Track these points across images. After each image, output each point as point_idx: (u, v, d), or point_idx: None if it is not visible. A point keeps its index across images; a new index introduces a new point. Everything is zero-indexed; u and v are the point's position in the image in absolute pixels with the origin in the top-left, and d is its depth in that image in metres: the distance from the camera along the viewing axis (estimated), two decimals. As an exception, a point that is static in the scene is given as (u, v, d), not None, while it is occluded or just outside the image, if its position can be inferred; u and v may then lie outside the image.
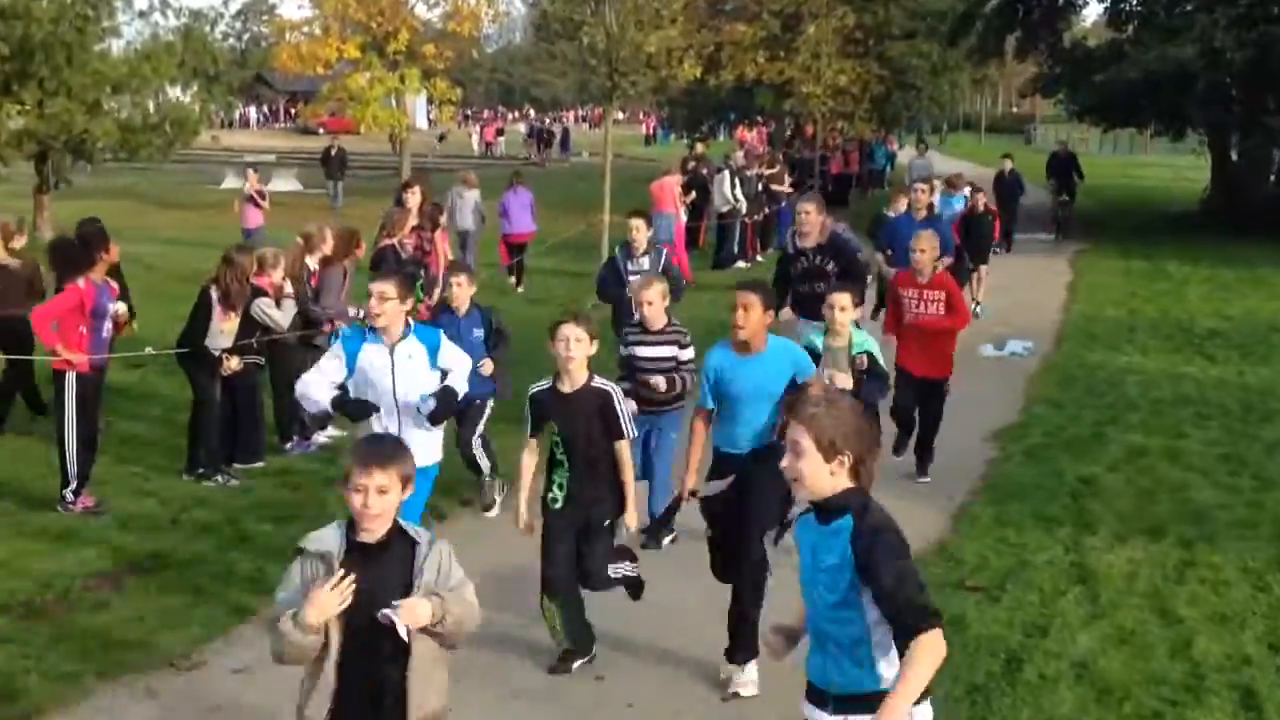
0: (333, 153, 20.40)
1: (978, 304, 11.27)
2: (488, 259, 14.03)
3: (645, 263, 6.91)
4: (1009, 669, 4.26)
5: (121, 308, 6.11)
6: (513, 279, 13.52)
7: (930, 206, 10.91)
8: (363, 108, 19.08)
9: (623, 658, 4.39)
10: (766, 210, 16.11)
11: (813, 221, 6.74)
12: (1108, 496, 6.26)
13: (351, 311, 7.35)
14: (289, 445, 7.06)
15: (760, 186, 15.81)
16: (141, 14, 16.91)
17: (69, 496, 5.87)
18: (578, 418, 4.14)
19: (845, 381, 5.21)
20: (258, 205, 14.69)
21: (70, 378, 5.81)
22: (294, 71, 20.88)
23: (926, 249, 6.44)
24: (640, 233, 6.96)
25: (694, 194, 15.46)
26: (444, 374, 4.60)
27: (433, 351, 4.57)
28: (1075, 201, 19.02)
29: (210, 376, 6.39)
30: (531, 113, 64.54)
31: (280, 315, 6.66)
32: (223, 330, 6.40)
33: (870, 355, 5.41)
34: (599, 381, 4.22)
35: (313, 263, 7.11)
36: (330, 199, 21.07)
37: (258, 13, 62.90)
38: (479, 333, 5.93)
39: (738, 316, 4.28)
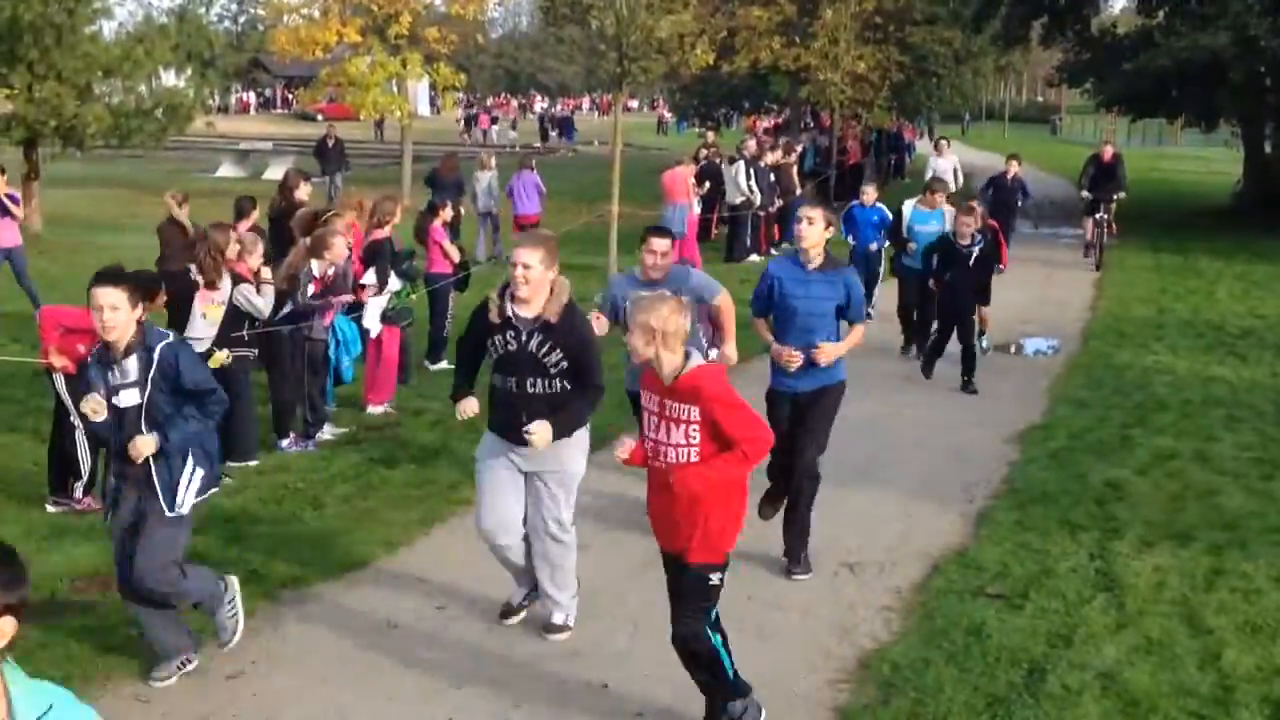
0: (329, 143, 19.62)
1: (982, 335, 9.50)
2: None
3: (131, 369, 3.94)
4: (1031, 680, 4.15)
5: None
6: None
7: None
8: (363, 93, 18.93)
9: (629, 666, 4.26)
10: (780, 202, 15.93)
11: (535, 278, 4.15)
12: (1135, 501, 6.11)
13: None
14: (285, 442, 6.89)
15: (771, 177, 15.60)
16: (134, -5, 16.72)
17: (77, 492, 5.75)
18: None
19: None
20: (9, 214, 10.58)
21: (59, 375, 5.72)
22: (292, 55, 20.61)
23: (645, 325, 3.53)
24: (116, 313, 3.85)
25: (707, 184, 15.29)
26: None
27: None
28: (1113, 218, 14.50)
29: None
30: (470, 100, 62.60)
31: (262, 302, 6.47)
32: (204, 315, 6.19)
33: None
34: None
35: (318, 268, 6.94)
36: (326, 193, 20.33)
37: (255, -6, 62.68)
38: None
39: None
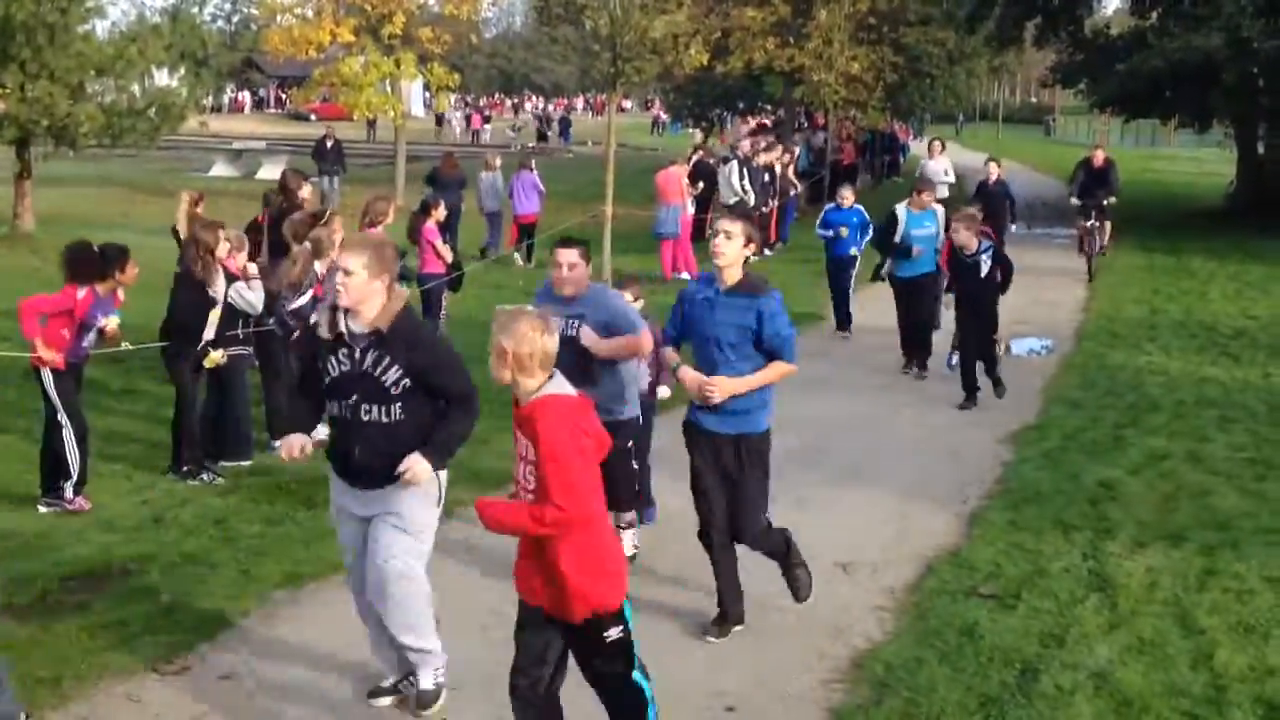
0: (328, 144, 19.52)
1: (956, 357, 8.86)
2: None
3: None
4: (1024, 680, 4.15)
5: (114, 321, 5.95)
6: (518, 259, 14.63)
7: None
8: (356, 93, 18.90)
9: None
10: (774, 203, 15.95)
11: (357, 285, 3.61)
12: (1128, 501, 6.11)
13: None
14: (278, 443, 6.88)
15: (765, 177, 15.60)
16: (127, -6, 16.74)
17: (68, 493, 5.73)
18: None
19: None
20: None
21: (47, 374, 5.70)
22: (285, 55, 20.49)
23: (498, 345, 3.13)
24: None
25: (701, 184, 15.32)
26: None
27: None
28: (1104, 230, 13.81)
29: (194, 371, 6.26)
30: (458, 101, 60.71)
31: (254, 297, 6.50)
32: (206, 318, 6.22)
33: None
34: None
35: (321, 268, 6.92)
36: (323, 196, 20.44)
37: (248, -7, 62.50)
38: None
39: None
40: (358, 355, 3.67)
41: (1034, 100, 69.72)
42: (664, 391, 5.75)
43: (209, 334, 6.25)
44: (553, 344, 3.14)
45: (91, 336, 5.84)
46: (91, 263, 5.79)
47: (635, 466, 5.17)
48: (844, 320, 10.57)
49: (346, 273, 3.61)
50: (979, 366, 8.14)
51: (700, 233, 15.75)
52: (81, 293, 5.69)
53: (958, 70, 27.00)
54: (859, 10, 22.18)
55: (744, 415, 4.41)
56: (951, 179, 15.22)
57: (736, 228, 4.40)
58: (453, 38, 21.41)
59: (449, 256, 9.03)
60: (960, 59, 26.13)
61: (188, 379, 6.27)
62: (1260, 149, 20.77)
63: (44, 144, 15.61)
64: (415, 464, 3.62)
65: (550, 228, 14.95)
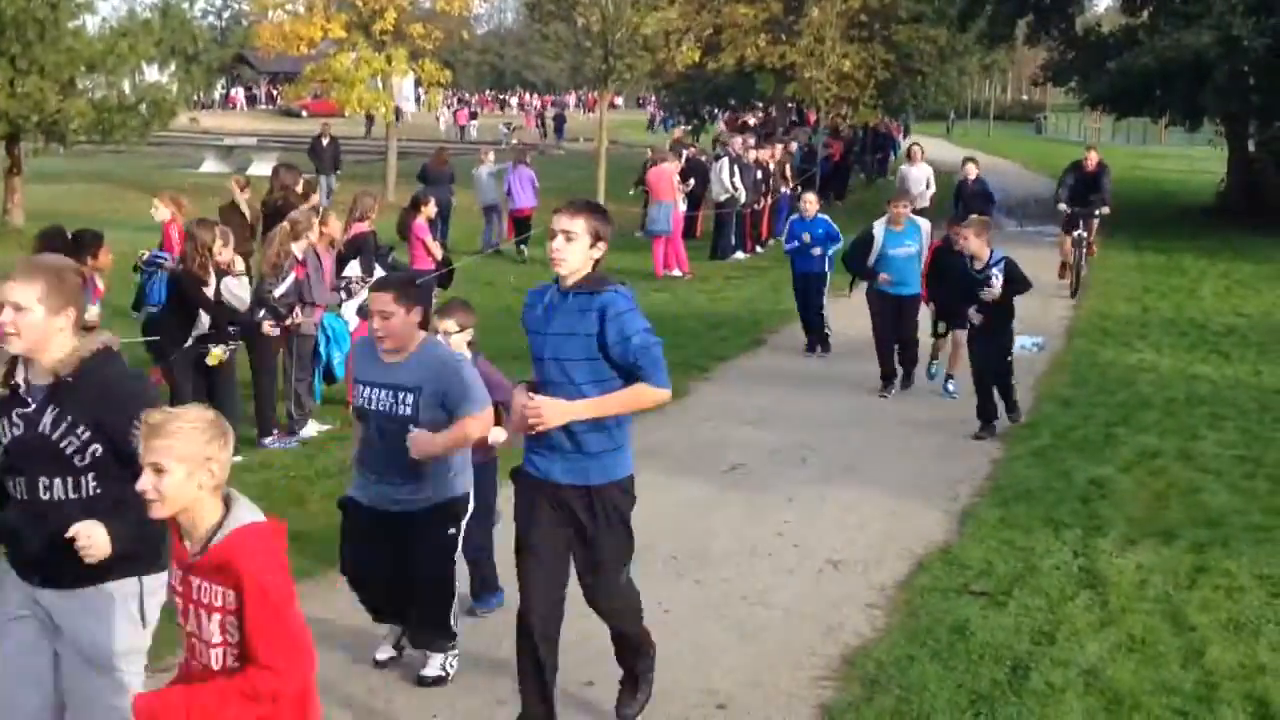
0: (324, 142, 19.46)
1: (941, 373, 8.48)
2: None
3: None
4: (1015, 677, 4.15)
5: (94, 311, 5.86)
6: (518, 253, 14.83)
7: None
8: (347, 89, 18.89)
9: (612, 664, 4.25)
10: (766, 200, 15.96)
11: (30, 324, 2.76)
12: (1118, 499, 6.12)
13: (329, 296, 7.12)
14: (268, 440, 6.85)
15: (758, 174, 15.59)
16: (118, -11, 16.63)
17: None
18: None
19: None
20: None
21: None
22: (276, 51, 20.44)
23: (162, 451, 2.36)
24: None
25: (692, 181, 15.31)
26: None
27: None
28: (1093, 237, 12.84)
29: (188, 368, 6.23)
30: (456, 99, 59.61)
31: (244, 292, 6.51)
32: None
33: None
34: None
35: (299, 250, 6.92)
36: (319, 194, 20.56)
37: (239, -11, 62.31)
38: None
39: None
40: (32, 413, 2.80)
41: (1025, 98, 69.88)
42: (497, 435, 4.20)
43: (198, 331, 6.23)
44: (227, 454, 2.46)
45: None
46: (62, 246, 5.74)
47: (454, 565, 4.06)
48: (822, 340, 9.63)
49: (16, 308, 2.75)
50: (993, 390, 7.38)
51: (691, 230, 15.77)
52: None
53: (949, 68, 27.10)
54: (851, 7, 22.24)
55: (593, 459, 3.45)
56: (933, 189, 14.63)
57: (578, 225, 3.39)
58: (444, 34, 21.39)
59: (439, 253, 9.03)
60: (952, 56, 26.22)
61: (181, 376, 6.24)
62: (1251, 147, 20.85)
63: (34, 140, 15.55)
64: (91, 531, 2.67)
65: (542, 224, 14.97)
